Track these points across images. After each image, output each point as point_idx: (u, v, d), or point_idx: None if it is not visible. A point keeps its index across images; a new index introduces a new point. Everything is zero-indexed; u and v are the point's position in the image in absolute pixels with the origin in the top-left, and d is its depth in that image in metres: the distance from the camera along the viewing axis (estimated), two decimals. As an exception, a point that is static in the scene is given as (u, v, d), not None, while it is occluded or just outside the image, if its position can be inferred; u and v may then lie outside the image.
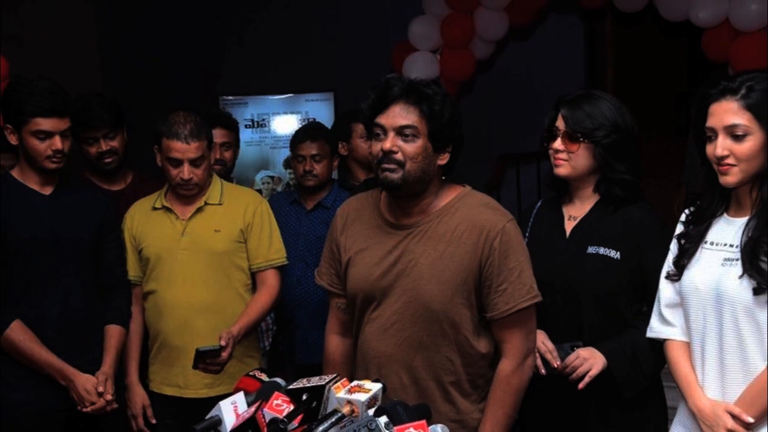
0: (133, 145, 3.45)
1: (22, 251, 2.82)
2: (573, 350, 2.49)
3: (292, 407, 1.92)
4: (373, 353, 2.38)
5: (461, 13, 5.15)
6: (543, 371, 2.50)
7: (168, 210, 3.10)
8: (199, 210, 3.09)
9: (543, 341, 2.52)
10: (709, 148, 2.16)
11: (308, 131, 3.86)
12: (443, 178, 2.40)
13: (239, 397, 2.04)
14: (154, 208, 3.12)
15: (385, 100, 2.30)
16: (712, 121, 2.15)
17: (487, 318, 2.34)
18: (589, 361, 2.47)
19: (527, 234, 2.64)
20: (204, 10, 6.69)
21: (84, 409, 2.85)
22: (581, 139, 2.51)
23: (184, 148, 2.96)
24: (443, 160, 2.35)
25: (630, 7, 4.94)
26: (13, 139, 2.84)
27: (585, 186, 2.60)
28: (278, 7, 6.69)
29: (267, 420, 1.88)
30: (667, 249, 2.34)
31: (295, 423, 1.88)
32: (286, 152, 5.83)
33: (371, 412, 1.86)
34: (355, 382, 1.95)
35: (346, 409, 1.85)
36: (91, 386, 2.85)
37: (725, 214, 2.24)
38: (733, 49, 4.37)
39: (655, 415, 2.58)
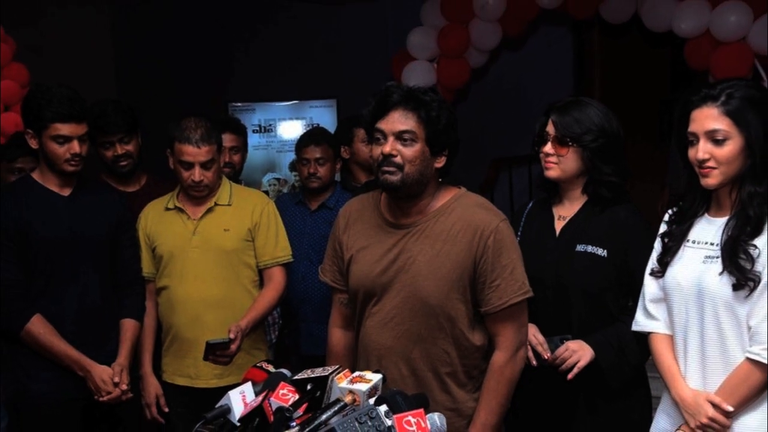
0: (147, 149, 3.45)
1: (43, 250, 2.82)
2: (562, 343, 2.50)
3: (297, 396, 1.92)
4: (373, 345, 2.38)
5: (457, 24, 5.15)
6: (534, 362, 2.50)
7: (180, 210, 3.10)
8: (210, 210, 3.09)
9: (534, 334, 2.52)
10: (691, 152, 2.16)
11: (312, 136, 3.85)
12: (440, 180, 2.39)
13: (247, 387, 2.04)
14: (167, 209, 3.12)
15: (385, 106, 2.30)
16: (694, 127, 2.15)
17: (482, 312, 2.34)
18: (578, 353, 2.47)
19: (519, 233, 2.64)
20: (214, 22, 6.70)
21: (101, 399, 2.85)
22: (570, 144, 2.51)
23: (195, 151, 2.96)
24: (440, 163, 2.35)
25: (616, 18, 4.94)
26: (33, 143, 2.84)
27: (574, 188, 2.60)
28: (284, 18, 6.69)
29: (273, 408, 1.88)
30: (652, 247, 2.34)
31: (300, 411, 1.88)
32: (291, 156, 5.83)
33: (372, 401, 1.86)
34: (356, 373, 1.95)
35: (348, 399, 1.85)
36: (108, 377, 2.85)
37: (706, 214, 2.24)
38: (713, 59, 4.36)
39: (640, 404, 2.58)
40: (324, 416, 1.78)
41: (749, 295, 2.07)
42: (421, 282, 2.31)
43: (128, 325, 2.99)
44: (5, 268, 2.78)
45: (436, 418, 1.84)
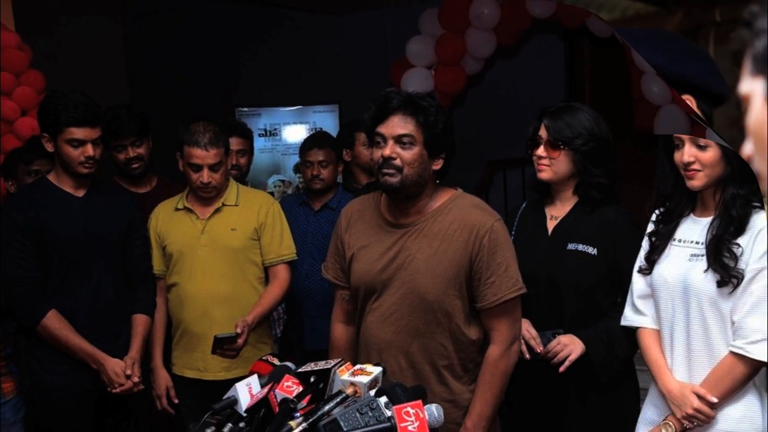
0: (158, 152, 3.45)
1: (58, 248, 2.82)
2: (554, 337, 2.49)
3: (301, 388, 1.92)
4: (374, 340, 2.38)
5: (454, 33, 5.14)
6: (527, 356, 2.49)
7: (189, 210, 3.09)
8: (217, 210, 3.08)
9: (527, 329, 2.51)
10: (677, 156, 2.16)
11: (316, 139, 3.85)
12: (437, 181, 2.39)
13: (253, 380, 2.04)
14: (177, 209, 3.12)
15: (385, 111, 2.30)
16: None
17: (477, 308, 2.34)
18: (569, 347, 2.46)
19: (513, 232, 2.64)
20: (221, 31, 6.70)
21: (113, 391, 2.85)
22: (562, 147, 2.51)
23: (203, 154, 2.95)
24: (437, 165, 2.35)
25: (604, 31, 4.94)
26: (49, 147, 2.83)
27: (565, 189, 2.59)
28: (288, 28, 6.69)
29: (278, 400, 1.88)
30: (640, 246, 2.34)
31: (303, 402, 1.88)
32: (295, 158, 5.81)
33: (372, 392, 1.86)
34: (357, 366, 1.95)
35: (349, 390, 1.85)
36: (120, 369, 2.85)
37: (692, 215, 2.24)
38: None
39: (628, 395, 2.57)
40: (327, 407, 1.78)
41: (733, 291, 2.07)
42: (420, 279, 2.31)
43: (139, 320, 2.99)
44: (22, 266, 2.78)
45: (434, 409, 1.84)
